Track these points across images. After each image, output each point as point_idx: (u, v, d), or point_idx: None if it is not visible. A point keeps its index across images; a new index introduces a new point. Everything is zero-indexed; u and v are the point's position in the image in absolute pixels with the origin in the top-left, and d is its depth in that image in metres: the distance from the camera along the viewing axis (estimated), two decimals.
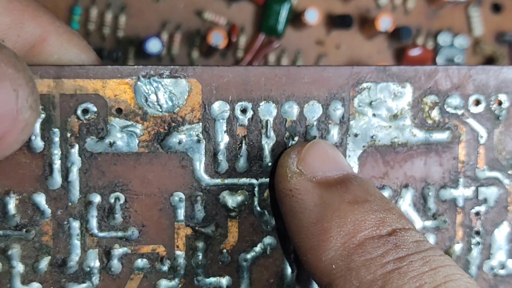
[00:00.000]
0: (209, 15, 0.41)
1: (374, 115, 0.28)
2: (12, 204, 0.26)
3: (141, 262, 0.27)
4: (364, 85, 0.28)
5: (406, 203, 0.29)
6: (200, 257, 0.27)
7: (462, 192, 0.29)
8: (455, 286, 0.23)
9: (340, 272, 0.25)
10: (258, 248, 0.28)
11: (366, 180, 0.28)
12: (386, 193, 0.29)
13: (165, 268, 0.27)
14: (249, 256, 0.28)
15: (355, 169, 0.29)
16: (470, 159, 0.29)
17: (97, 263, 0.27)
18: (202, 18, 0.41)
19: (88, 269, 0.27)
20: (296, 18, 0.42)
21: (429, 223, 0.29)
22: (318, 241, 0.25)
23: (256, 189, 0.28)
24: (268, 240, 0.28)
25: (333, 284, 0.25)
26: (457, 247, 0.30)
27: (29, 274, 0.26)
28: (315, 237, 0.25)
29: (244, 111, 0.27)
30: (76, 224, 0.27)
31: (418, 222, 0.29)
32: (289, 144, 0.28)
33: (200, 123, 0.27)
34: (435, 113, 0.29)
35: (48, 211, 0.26)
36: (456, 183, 0.29)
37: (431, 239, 0.29)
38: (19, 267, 0.26)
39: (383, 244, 0.24)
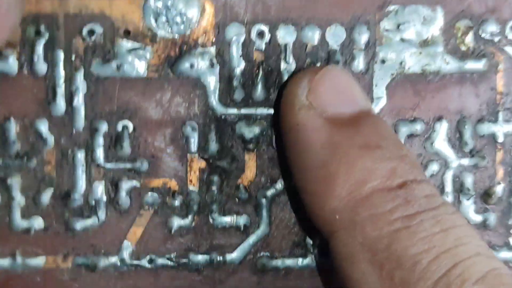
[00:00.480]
0: None
1: (402, 40, 0.26)
2: (12, 131, 0.24)
3: (151, 197, 0.25)
4: (391, 7, 0.26)
5: (440, 138, 0.26)
6: (215, 192, 0.25)
7: (502, 127, 0.27)
8: (466, 250, 0.22)
9: (343, 224, 0.23)
10: (278, 185, 0.26)
11: (381, 119, 0.26)
12: (418, 127, 0.27)
13: (177, 203, 0.25)
14: (268, 192, 0.26)
15: (383, 100, 0.26)
16: (509, 90, 0.27)
17: (103, 197, 0.25)
18: None
19: (94, 202, 0.25)
20: None
21: (466, 161, 0.27)
22: (323, 187, 0.23)
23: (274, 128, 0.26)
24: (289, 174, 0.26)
25: (335, 235, 0.23)
26: (499, 188, 0.27)
27: (30, 207, 0.25)
28: (320, 182, 0.23)
29: (261, 34, 0.25)
30: (81, 154, 0.25)
31: (454, 160, 0.27)
32: None
33: (214, 47, 0.25)
34: (469, 39, 0.26)
35: (51, 138, 0.25)
36: (495, 116, 0.27)
37: (469, 178, 0.27)
38: (20, 199, 0.25)
39: (392, 199, 0.22)
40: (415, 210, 0.22)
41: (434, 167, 0.27)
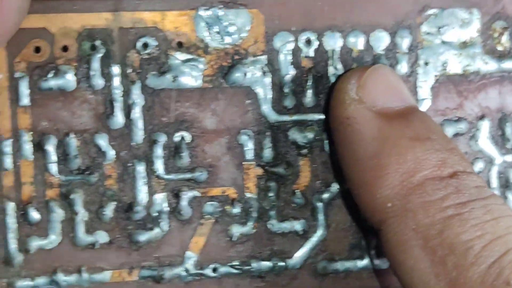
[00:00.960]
0: None
1: (443, 42, 0.27)
2: (73, 146, 0.25)
3: (211, 206, 0.26)
4: (430, 11, 0.27)
5: (483, 136, 0.28)
6: (273, 198, 0.26)
7: None
8: None
9: (395, 211, 0.23)
10: (333, 188, 0.27)
11: (427, 114, 0.26)
12: (462, 126, 0.28)
13: (237, 211, 0.26)
14: (324, 196, 0.26)
15: (428, 101, 0.27)
16: None
17: (165, 208, 0.25)
18: None
19: (156, 214, 0.25)
20: None
21: (509, 157, 0.28)
22: (374, 177, 0.24)
23: (325, 127, 0.26)
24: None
25: (386, 223, 0.24)
26: None
27: (94, 222, 0.25)
28: (371, 172, 0.24)
29: (308, 41, 0.26)
30: (141, 166, 0.25)
31: (498, 157, 0.28)
32: None
33: (264, 55, 0.26)
34: (504, 39, 0.28)
35: (112, 152, 0.25)
36: None
37: None
38: (83, 214, 0.25)
39: (444, 187, 0.23)
40: (466, 198, 0.22)
41: (480, 165, 0.28)
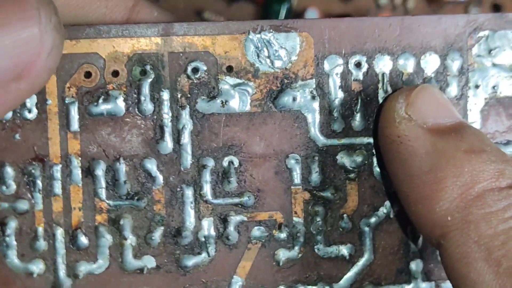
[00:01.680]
0: (209, 15, 0.41)
1: (494, 65, 0.27)
2: (122, 171, 0.25)
3: (258, 231, 0.26)
4: (481, 33, 0.27)
5: None
6: (320, 223, 0.26)
7: None
8: None
9: (456, 224, 0.23)
10: (380, 212, 0.27)
11: (479, 129, 0.26)
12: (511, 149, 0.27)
13: (284, 236, 0.26)
14: (371, 221, 0.26)
15: (477, 124, 0.27)
16: None
17: (212, 232, 0.26)
18: (202, 18, 0.40)
19: (204, 239, 0.25)
20: (296, 18, 0.41)
21: None
22: (431, 191, 0.24)
23: (374, 148, 0.26)
24: (390, 203, 0.26)
25: (448, 236, 0.24)
26: None
27: (142, 247, 0.25)
28: (428, 186, 0.24)
29: (358, 64, 0.26)
30: (189, 191, 0.25)
31: None
32: None
33: (314, 79, 0.26)
34: None
35: (160, 177, 0.25)
36: None
37: None
38: (131, 239, 0.25)
39: (504, 198, 0.23)
40: None
41: None
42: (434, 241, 0.24)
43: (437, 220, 0.24)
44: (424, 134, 0.25)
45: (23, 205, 0.25)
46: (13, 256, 0.25)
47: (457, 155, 0.24)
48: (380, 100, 0.26)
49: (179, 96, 0.25)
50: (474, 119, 0.27)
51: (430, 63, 0.27)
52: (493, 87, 0.27)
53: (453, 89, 0.27)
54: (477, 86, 0.27)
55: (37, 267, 0.25)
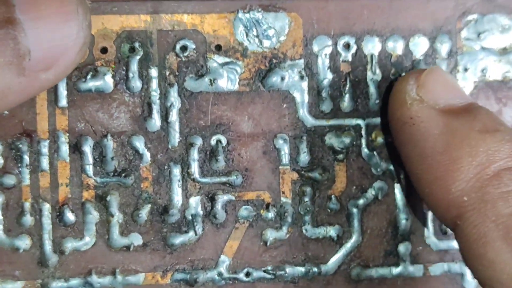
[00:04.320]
0: None
1: (482, 48, 0.28)
2: (110, 148, 0.25)
3: (245, 210, 0.26)
4: (470, 17, 0.27)
5: None
6: (308, 203, 0.27)
7: None
8: None
9: (473, 204, 0.24)
10: (369, 194, 0.27)
11: (490, 110, 0.27)
12: None
13: (271, 216, 0.26)
14: (360, 202, 0.27)
15: None
16: None
17: (200, 211, 0.26)
18: None
19: (191, 217, 0.26)
20: None
21: None
22: (447, 171, 0.24)
23: (363, 129, 0.27)
24: (378, 184, 0.27)
25: (464, 217, 0.24)
26: None
27: (129, 224, 0.26)
28: (443, 167, 0.24)
29: (347, 46, 0.27)
30: (177, 169, 0.26)
31: None
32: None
33: (302, 59, 0.26)
34: None
35: (148, 155, 0.26)
36: None
37: None
38: (118, 216, 0.25)
39: None
40: None
41: None
42: (449, 221, 0.25)
43: (453, 200, 0.24)
44: (437, 114, 0.25)
45: (10, 180, 0.25)
46: None
47: (472, 135, 0.24)
48: (369, 82, 0.27)
49: (167, 73, 0.26)
50: None
51: (419, 46, 0.28)
52: (482, 71, 0.28)
53: None
54: (466, 69, 0.28)
55: (24, 242, 0.25)
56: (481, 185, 0.24)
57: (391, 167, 0.28)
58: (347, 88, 0.27)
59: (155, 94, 0.26)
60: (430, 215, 0.28)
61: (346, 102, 0.27)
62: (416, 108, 0.25)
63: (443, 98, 0.26)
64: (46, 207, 0.25)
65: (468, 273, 0.28)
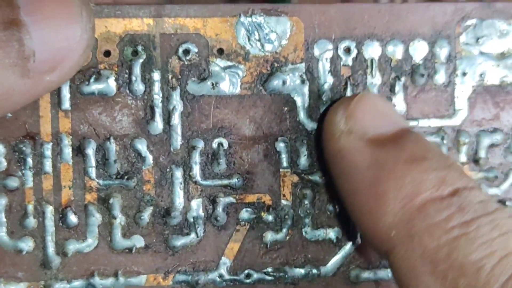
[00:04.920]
0: None
1: (481, 53, 0.28)
2: (112, 151, 0.26)
3: (246, 212, 0.27)
4: (469, 22, 0.28)
5: None
6: (308, 206, 0.27)
7: None
8: None
9: (400, 238, 0.24)
10: None
11: (421, 134, 0.27)
12: (498, 137, 0.29)
13: (272, 218, 0.27)
14: None
15: (464, 111, 0.28)
16: None
17: (201, 213, 0.27)
18: (194, 0, 0.41)
19: (192, 219, 0.26)
20: None
21: None
22: (375, 205, 0.24)
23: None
24: None
25: (393, 252, 0.24)
26: None
27: (131, 226, 0.26)
28: (372, 200, 0.24)
29: (347, 50, 0.27)
30: (179, 172, 0.26)
31: None
32: (396, 86, 0.27)
33: (303, 63, 0.27)
34: None
35: (150, 157, 0.26)
36: None
37: None
38: (121, 218, 0.26)
39: (446, 207, 0.23)
40: (471, 216, 0.22)
41: None
42: (382, 253, 0.25)
43: (382, 235, 0.24)
44: (365, 146, 0.25)
45: (13, 182, 0.25)
46: (2, 233, 0.26)
47: (398, 166, 0.24)
48: (369, 86, 0.28)
49: (170, 77, 0.26)
50: (461, 106, 0.29)
51: (419, 50, 0.28)
52: (480, 75, 0.29)
53: (440, 77, 0.28)
54: (464, 74, 0.28)
55: (27, 244, 0.26)
56: (408, 218, 0.23)
57: None
58: (347, 92, 0.27)
59: (157, 97, 0.26)
60: None
61: None
62: (345, 141, 0.25)
63: (372, 127, 0.25)
64: (49, 210, 0.26)
65: None
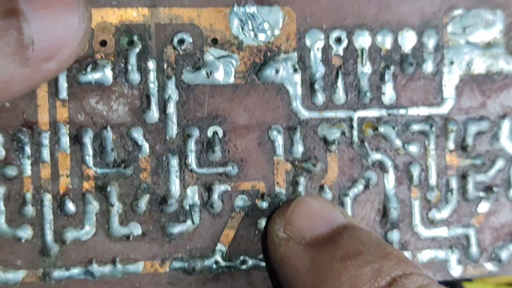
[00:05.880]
0: None
1: (467, 42, 0.29)
2: (109, 139, 0.26)
3: (241, 200, 0.27)
4: (456, 12, 0.29)
5: (504, 135, 0.30)
6: (301, 193, 0.28)
7: None
8: None
9: None
10: (359, 184, 0.28)
11: (358, 226, 0.27)
12: (485, 125, 0.30)
13: (266, 205, 0.28)
14: (351, 192, 0.28)
15: (452, 100, 0.29)
16: None
17: (197, 201, 0.27)
18: None
19: (188, 207, 0.27)
20: None
21: None
22: None
23: (354, 121, 0.28)
24: (369, 174, 0.28)
25: None
26: None
27: (128, 214, 0.27)
28: None
29: (338, 40, 0.28)
30: (175, 160, 0.27)
31: None
32: (386, 75, 0.28)
33: (296, 53, 0.28)
34: None
35: (146, 146, 0.27)
36: None
37: None
38: (118, 206, 0.26)
39: None
40: None
41: (500, 163, 0.30)
42: None
43: None
44: (304, 250, 0.26)
45: (11, 171, 0.26)
46: (1, 222, 0.27)
47: (334, 265, 0.25)
48: (360, 75, 0.28)
49: (165, 66, 0.27)
50: (449, 95, 0.30)
51: (407, 40, 0.29)
52: (467, 64, 0.30)
53: (428, 66, 0.29)
54: (451, 63, 0.29)
55: (25, 232, 0.26)
56: None
57: (381, 158, 0.29)
58: (338, 81, 0.28)
59: (153, 87, 0.27)
60: (417, 204, 0.29)
61: (338, 95, 0.28)
62: (284, 248, 0.26)
63: (309, 230, 0.26)
64: (47, 198, 0.26)
65: (453, 260, 0.29)
